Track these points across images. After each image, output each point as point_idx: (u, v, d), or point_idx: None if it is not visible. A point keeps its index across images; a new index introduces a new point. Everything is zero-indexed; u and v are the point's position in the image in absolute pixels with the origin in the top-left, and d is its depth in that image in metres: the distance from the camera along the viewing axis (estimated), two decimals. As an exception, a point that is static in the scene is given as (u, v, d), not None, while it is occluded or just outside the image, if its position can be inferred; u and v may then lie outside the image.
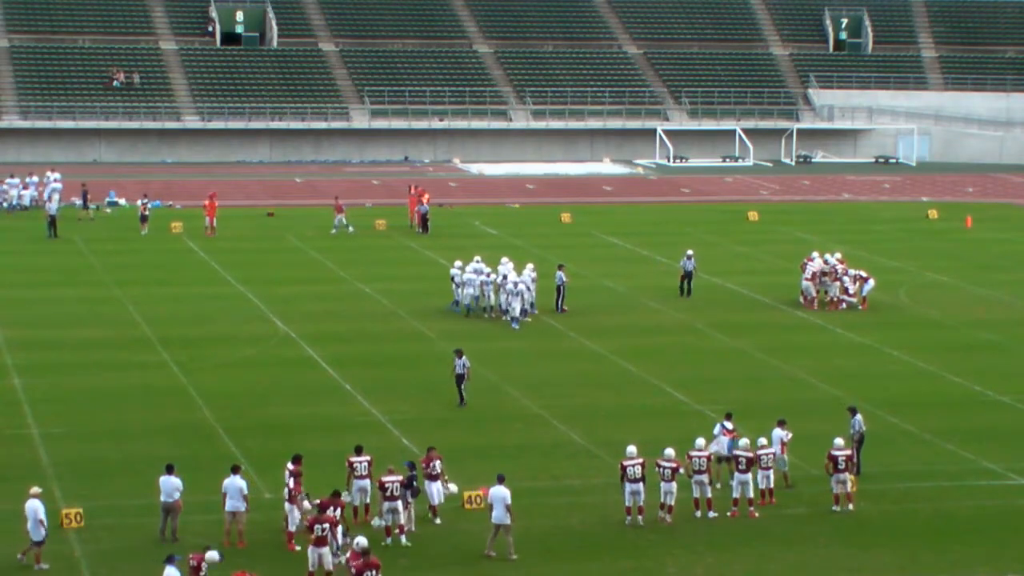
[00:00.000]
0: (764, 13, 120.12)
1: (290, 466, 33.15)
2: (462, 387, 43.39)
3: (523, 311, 54.03)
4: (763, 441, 35.67)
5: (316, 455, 35.81)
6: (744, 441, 35.29)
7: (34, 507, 31.23)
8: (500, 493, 32.23)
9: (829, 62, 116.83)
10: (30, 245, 69.86)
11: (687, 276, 59.65)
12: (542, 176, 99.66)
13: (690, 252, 60.36)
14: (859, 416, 37.91)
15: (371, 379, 46.28)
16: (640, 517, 33.83)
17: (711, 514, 34.54)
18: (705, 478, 34.56)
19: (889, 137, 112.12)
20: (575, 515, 34.77)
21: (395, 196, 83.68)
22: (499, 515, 32.15)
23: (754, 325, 54.70)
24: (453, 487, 34.55)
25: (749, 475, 34.69)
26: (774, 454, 35.59)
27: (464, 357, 43.44)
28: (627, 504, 33.93)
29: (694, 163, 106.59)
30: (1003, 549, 33.09)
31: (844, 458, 35.03)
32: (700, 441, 35.32)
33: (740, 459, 34.74)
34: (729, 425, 36.58)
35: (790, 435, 36.88)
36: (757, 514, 34.67)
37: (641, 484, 33.64)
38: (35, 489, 31.83)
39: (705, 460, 34.58)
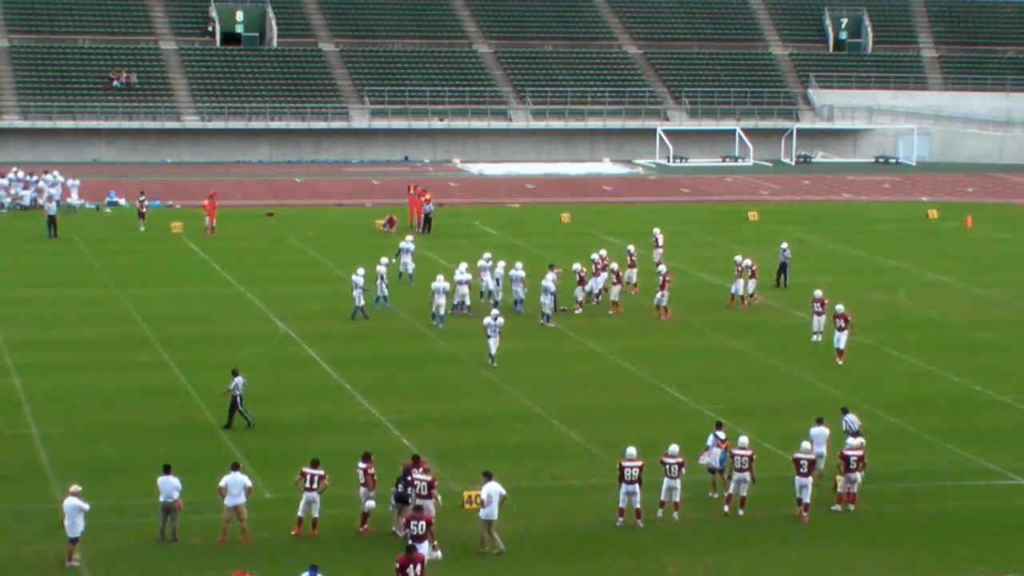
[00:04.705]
0: (764, 13, 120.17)
1: (361, 464, 33.32)
2: (240, 409, 40.56)
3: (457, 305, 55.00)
4: (806, 445, 35.55)
5: (316, 455, 35.74)
6: (806, 444, 35.19)
7: (76, 504, 31.29)
8: (497, 488, 32.24)
9: (829, 62, 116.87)
10: (30, 245, 69.86)
11: (782, 267, 61.17)
12: (542, 176, 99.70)
13: (784, 244, 61.98)
14: (850, 415, 37.95)
15: (371, 379, 46.27)
16: (639, 520, 33.81)
17: (740, 512, 34.65)
18: (747, 475, 34.56)
19: (889, 137, 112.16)
20: (575, 515, 34.74)
21: (395, 196, 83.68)
22: (492, 511, 32.13)
23: (754, 325, 54.70)
24: (438, 554, 31.55)
25: (809, 478, 34.64)
26: (812, 459, 35.35)
27: (239, 377, 40.67)
28: (621, 505, 33.89)
29: (694, 163, 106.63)
30: (1003, 549, 33.09)
31: (856, 458, 35.04)
32: (743, 439, 35.27)
33: (801, 462, 34.60)
34: (722, 435, 36.19)
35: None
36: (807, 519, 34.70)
37: (637, 486, 33.58)
38: (75, 487, 31.81)
39: (748, 459, 34.57)
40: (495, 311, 48.83)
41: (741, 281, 57.42)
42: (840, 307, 49.78)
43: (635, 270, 59.43)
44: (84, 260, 66.29)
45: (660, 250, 64.74)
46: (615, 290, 56.32)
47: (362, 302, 54.56)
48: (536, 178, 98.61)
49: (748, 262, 57.82)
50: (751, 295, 57.83)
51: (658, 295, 55.43)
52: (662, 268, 57.00)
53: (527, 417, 42.63)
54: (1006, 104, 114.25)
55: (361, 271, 54.82)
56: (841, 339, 48.87)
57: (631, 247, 61.24)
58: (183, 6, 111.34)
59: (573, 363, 49.06)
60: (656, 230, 66.36)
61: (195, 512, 33.31)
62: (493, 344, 47.63)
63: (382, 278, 56.11)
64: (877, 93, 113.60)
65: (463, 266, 56.29)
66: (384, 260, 57.06)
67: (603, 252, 58.87)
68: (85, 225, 75.09)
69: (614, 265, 57.34)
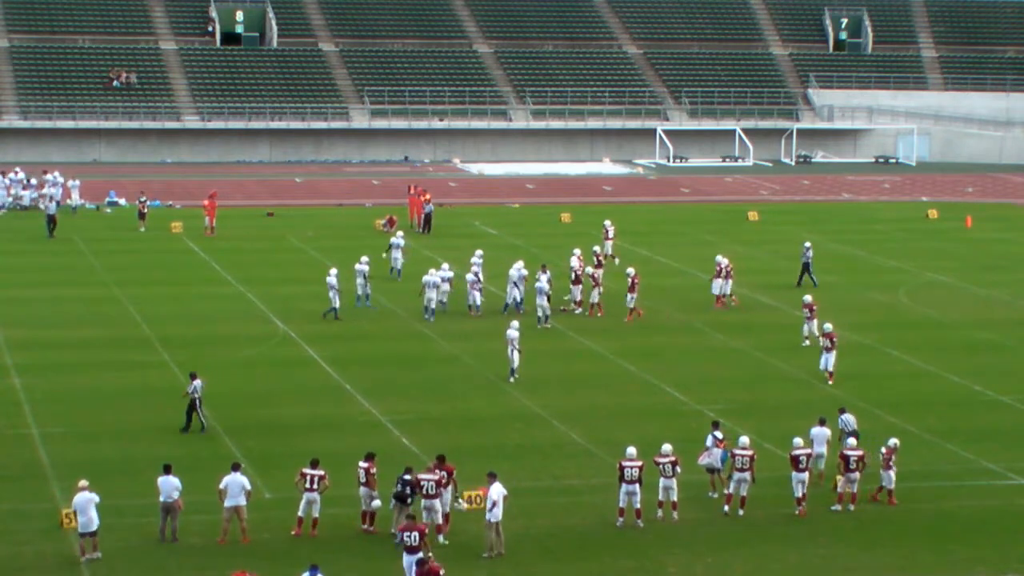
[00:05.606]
0: (764, 13, 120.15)
1: (363, 464, 33.39)
2: (199, 412, 40.32)
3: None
4: (798, 441, 35.58)
5: (316, 455, 35.72)
6: (798, 440, 35.36)
7: (88, 497, 31.33)
8: (502, 489, 32.22)
9: (829, 62, 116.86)
10: (30, 245, 69.87)
11: (805, 266, 61.25)
12: (542, 176, 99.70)
13: (807, 244, 61.99)
14: (846, 415, 38.12)
15: (371, 379, 46.29)
16: (639, 520, 33.82)
17: (740, 512, 34.70)
18: (747, 475, 34.58)
19: (889, 137, 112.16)
20: (575, 515, 34.76)
21: (395, 196, 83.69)
22: (499, 512, 32.05)
23: (754, 325, 54.71)
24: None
25: (806, 473, 34.84)
26: (811, 454, 35.52)
27: (197, 380, 40.38)
28: (621, 505, 33.90)
29: (694, 163, 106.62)
30: (1003, 549, 33.11)
31: (856, 458, 35.08)
32: (744, 439, 35.31)
33: (800, 458, 34.71)
34: (719, 435, 36.30)
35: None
36: (806, 513, 34.78)
37: (637, 486, 33.59)
38: (83, 482, 31.84)
39: (748, 459, 34.59)
40: (515, 323, 47.53)
41: (719, 280, 57.48)
42: (828, 326, 47.83)
43: (601, 270, 58.94)
44: (84, 260, 66.30)
45: (611, 242, 65.48)
46: (594, 293, 56.27)
47: (337, 303, 54.45)
48: (536, 178, 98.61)
49: (726, 262, 57.91)
50: (729, 295, 57.82)
51: (628, 297, 55.35)
52: (631, 271, 56.71)
53: (527, 417, 42.64)
54: (1006, 104, 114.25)
55: (334, 271, 54.86)
56: (829, 360, 46.79)
57: (597, 248, 61.45)
58: (183, 6, 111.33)
59: (573, 363, 49.07)
60: (607, 222, 67.47)
61: (195, 512, 33.32)
62: (516, 358, 46.37)
63: (363, 276, 56.10)
64: (877, 93, 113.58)
65: (445, 265, 56.53)
66: (364, 259, 56.99)
67: (578, 252, 58.70)
68: (85, 225, 75.09)
69: (589, 269, 57.29)
